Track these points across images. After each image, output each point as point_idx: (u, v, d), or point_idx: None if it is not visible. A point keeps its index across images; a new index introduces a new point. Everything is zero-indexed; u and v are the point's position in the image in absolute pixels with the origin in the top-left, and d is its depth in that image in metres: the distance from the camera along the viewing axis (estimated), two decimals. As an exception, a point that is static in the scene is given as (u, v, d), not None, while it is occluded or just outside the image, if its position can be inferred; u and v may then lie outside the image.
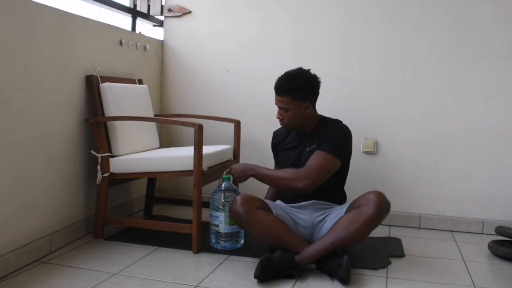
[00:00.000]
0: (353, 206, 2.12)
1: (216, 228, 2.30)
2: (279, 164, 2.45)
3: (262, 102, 3.06)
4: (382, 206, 2.03)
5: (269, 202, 2.26)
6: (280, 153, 2.42)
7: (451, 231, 2.86)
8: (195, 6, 3.22)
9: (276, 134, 2.50)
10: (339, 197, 2.37)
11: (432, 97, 2.86)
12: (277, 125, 2.43)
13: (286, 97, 2.24)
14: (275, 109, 2.35)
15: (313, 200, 2.27)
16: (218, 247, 2.32)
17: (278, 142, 2.45)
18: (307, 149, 2.28)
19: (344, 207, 2.20)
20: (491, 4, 2.76)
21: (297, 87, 2.23)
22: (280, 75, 2.29)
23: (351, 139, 2.32)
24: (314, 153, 2.21)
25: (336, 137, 2.25)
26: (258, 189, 2.54)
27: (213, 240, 2.34)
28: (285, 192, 2.38)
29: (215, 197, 2.29)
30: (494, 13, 2.76)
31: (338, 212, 2.20)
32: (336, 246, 2.03)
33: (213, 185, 2.68)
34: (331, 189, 2.31)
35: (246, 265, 2.17)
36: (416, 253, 2.42)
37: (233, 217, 2.17)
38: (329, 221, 2.19)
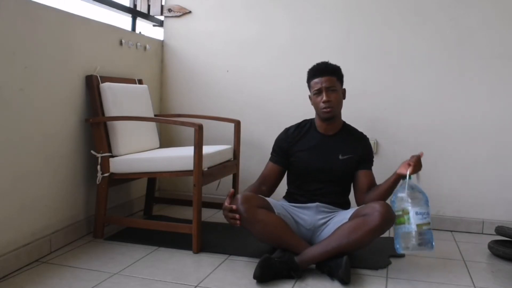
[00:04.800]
0: (358, 214, 2.10)
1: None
2: (287, 166, 2.34)
3: (262, 102, 3.05)
4: (387, 217, 2.01)
5: (271, 200, 2.23)
6: (296, 154, 2.29)
7: (451, 231, 2.85)
8: (195, 6, 3.22)
9: (288, 132, 2.34)
10: (344, 204, 2.35)
11: (432, 97, 2.87)
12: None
13: (333, 76, 2.23)
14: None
15: (317, 203, 2.26)
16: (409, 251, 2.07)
17: (292, 142, 2.30)
18: (340, 157, 2.26)
19: (348, 213, 2.18)
20: (491, 4, 2.76)
21: (339, 69, 2.28)
22: (315, 64, 2.27)
23: None
24: (368, 174, 2.28)
25: (372, 154, 2.37)
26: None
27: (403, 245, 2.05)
28: (289, 191, 2.37)
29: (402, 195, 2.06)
30: (494, 13, 2.76)
31: (341, 217, 2.18)
32: (337, 252, 2.02)
33: (213, 185, 2.68)
34: (340, 196, 2.32)
35: (246, 265, 2.17)
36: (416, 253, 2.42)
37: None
38: (331, 225, 2.18)
